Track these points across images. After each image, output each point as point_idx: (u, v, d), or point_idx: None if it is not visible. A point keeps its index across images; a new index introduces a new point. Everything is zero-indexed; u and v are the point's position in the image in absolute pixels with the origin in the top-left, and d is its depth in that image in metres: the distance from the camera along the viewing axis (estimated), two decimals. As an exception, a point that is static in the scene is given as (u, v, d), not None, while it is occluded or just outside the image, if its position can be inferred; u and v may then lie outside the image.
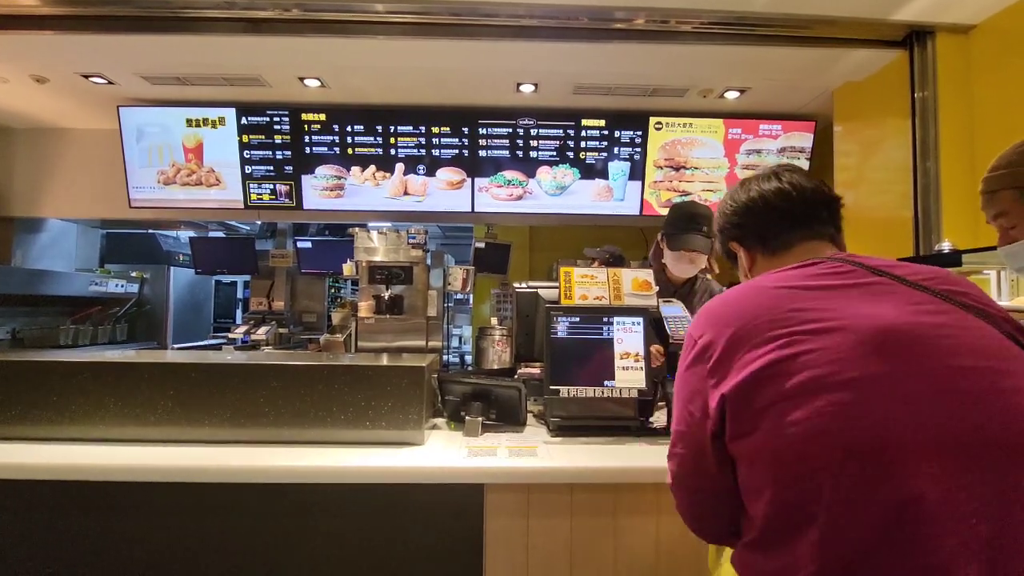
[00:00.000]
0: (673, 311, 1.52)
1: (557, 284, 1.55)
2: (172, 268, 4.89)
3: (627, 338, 1.43)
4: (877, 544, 0.61)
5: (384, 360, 1.49)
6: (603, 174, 3.64)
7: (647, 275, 1.55)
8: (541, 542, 1.21)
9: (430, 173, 3.62)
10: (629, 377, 1.40)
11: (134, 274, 4.78)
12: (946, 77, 2.50)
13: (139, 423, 1.33)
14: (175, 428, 1.33)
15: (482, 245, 4.02)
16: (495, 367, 3.60)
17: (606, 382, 1.40)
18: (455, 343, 5.43)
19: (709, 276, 2.09)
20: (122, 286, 4.63)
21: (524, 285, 1.60)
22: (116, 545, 1.20)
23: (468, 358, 4.91)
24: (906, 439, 0.63)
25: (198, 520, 1.21)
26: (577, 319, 1.44)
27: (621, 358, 1.41)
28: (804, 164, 3.63)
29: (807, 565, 0.64)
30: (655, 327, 1.50)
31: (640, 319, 1.45)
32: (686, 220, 1.88)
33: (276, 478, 1.19)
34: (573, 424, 1.44)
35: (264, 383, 1.34)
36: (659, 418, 1.56)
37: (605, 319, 1.45)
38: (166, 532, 1.21)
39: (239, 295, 6.03)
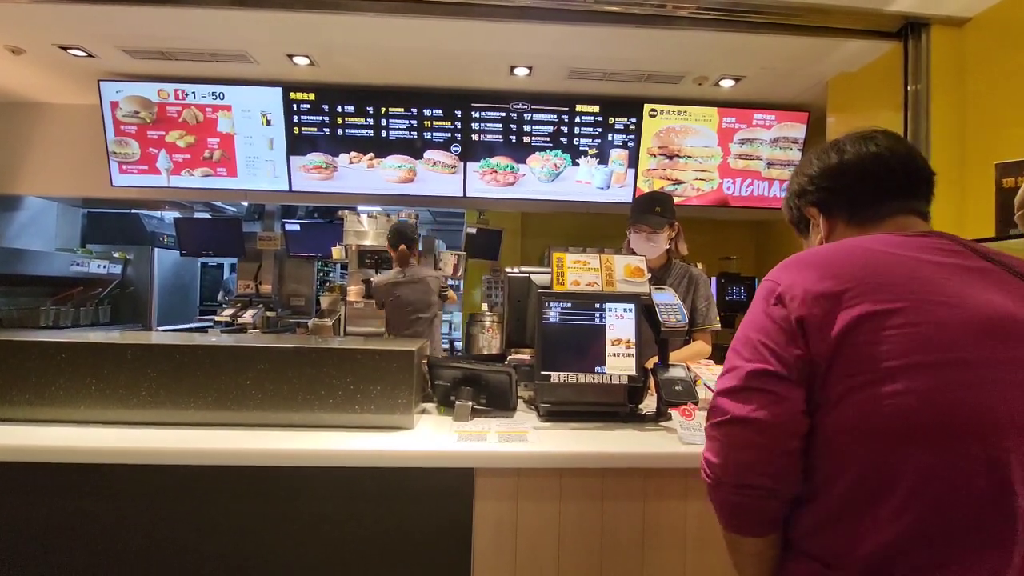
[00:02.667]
0: (665, 298, 1.51)
1: (549, 270, 1.54)
2: (156, 249, 4.79)
3: (619, 324, 1.43)
4: (961, 515, 0.65)
5: (373, 344, 1.47)
6: (596, 161, 3.62)
7: (639, 261, 1.55)
8: (530, 525, 1.22)
9: (421, 156, 3.57)
10: (620, 363, 1.40)
11: (117, 255, 4.68)
12: (939, 70, 2.50)
13: (122, 405, 1.30)
14: (159, 410, 1.31)
15: (473, 231, 3.99)
16: (485, 353, 3.61)
17: (597, 368, 1.39)
18: (445, 329, 5.42)
19: (688, 264, 2.11)
20: (104, 267, 4.53)
21: (516, 270, 1.59)
22: (98, 529, 1.18)
23: (458, 344, 4.91)
24: (1005, 421, 0.65)
25: (182, 503, 1.20)
26: (569, 305, 1.44)
27: (612, 344, 1.41)
28: (796, 155, 3.64)
29: (885, 531, 0.67)
30: (647, 314, 1.50)
31: (632, 305, 1.45)
32: (644, 202, 2.08)
33: (262, 461, 1.18)
34: (563, 410, 1.44)
35: (251, 365, 1.32)
36: (648, 404, 1.56)
37: (597, 305, 1.44)
38: (149, 515, 1.19)
39: (225, 277, 5.94)
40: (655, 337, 1.51)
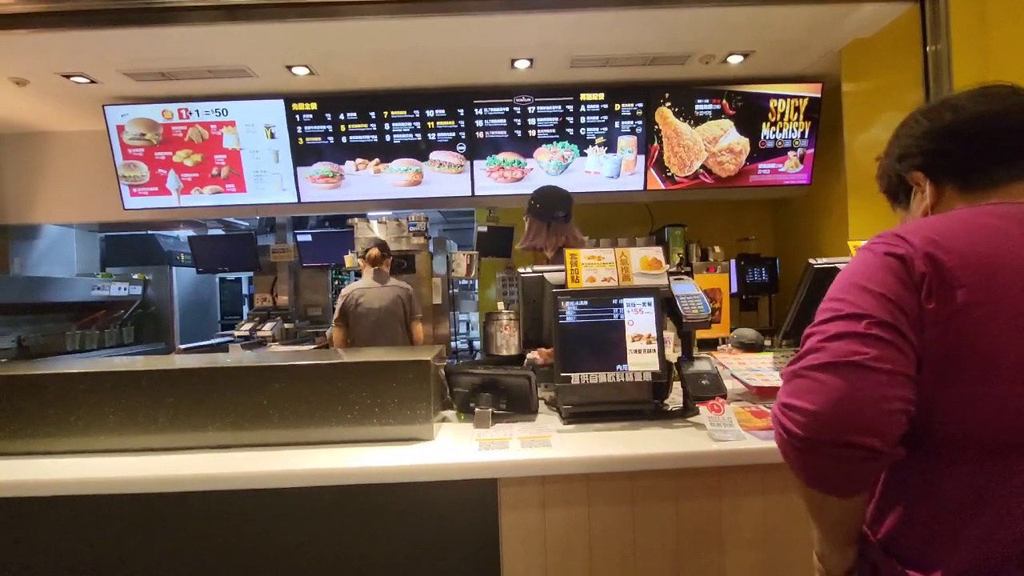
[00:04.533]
0: (685, 289, 1.45)
1: (563, 267, 1.49)
2: (174, 268, 4.86)
3: (638, 320, 1.38)
4: None
5: (388, 355, 1.44)
6: (604, 150, 3.55)
7: (656, 253, 1.49)
8: (559, 534, 1.18)
9: (427, 158, 3.53)
10: (642, 360, 1.35)
11: (136, 276, 4.75)
12: (960, 29, 2.37)
13: (141, 432, 1.29)
14: (178, 435, 1.29)
15: (484, 229, 3.95)
16: (503, 352, 3.57)
17: (619, 366, 1.35)
18: (463, 329, 5.40)
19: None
20: (125, 289, 4.61)
21: (529, 270, 1.54)
22: (121, 559, 1.18)
23: (476, 343, 4.89)
24: None
25: (204, 529, 1.18)
26: (585, 303, 1.39)
27: (633, 340, 1.36)
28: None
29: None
30: (667, 307, 1.44)
31: (651, 299, 1.39)
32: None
33: (278, 483, 1.16)
34: (586, 411, 1.40)
35: (266, 385, 1.30)
36: (674, 399, 1.51)
37: (615, 301, 1.39)
38: (173, 543, 1.18)
39: (244, 291, 6.00)
40: (677, 330, 1.46)
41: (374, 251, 3.24)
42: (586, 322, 1.38)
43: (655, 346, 1.36)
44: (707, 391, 1.32)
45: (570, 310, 1.38)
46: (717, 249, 3.79)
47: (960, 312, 0.65)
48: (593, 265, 1.47)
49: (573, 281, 1.44)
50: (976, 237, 0.68)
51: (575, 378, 1.34)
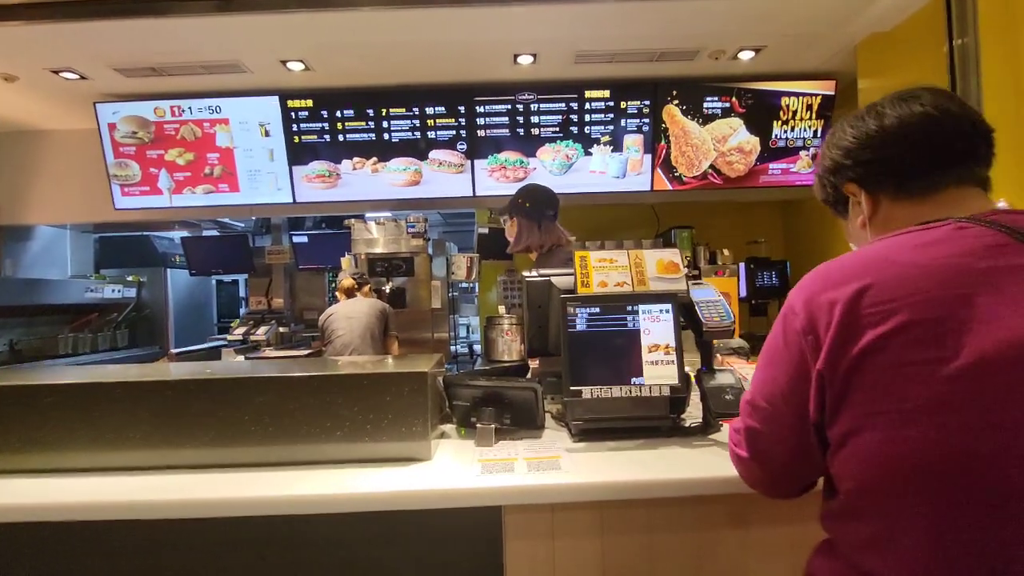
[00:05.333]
0: (705, 294, 1.34)
1: (571, 271, 1.38)
2: (169, 270, 4.76)
3: (655, 328, 1.26)
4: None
5: (382, 366, 1.33)
6: (609, 148, 3.44)
7: (672, 255, 1.38)
8: (569, 567, 1.06)
9: (426, 157, 3.42)
10: (660, 372, 1.23)
11: (130, 278, 4.65)
12: (988, 21, 2.26)
13: (112, 449, 1.18)
14: (153, 453, 1.18)
15: (485, 231, 3.84)
16: (505, 358, 3.45)
17: (634, 379, 1.23)
18: (463, 333, 5.28)
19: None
20: (119, 291, 4.50)
21: (535, 273, 1.43)
22: (90, 590, 1.06)
23: (477, 347, 4.77)
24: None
25: (178, 558, 1.07)
26: (597, 309, 1.27)
27: (650, 351, 1.25)
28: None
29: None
30: (685, 313, 1.33)
31: (669, 305, 1.28)
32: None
33: (262, 510, 1.04)
34: (597, 427, 1.28)
35: (248, 399, 1.18)
36: (691, 414, 1.39)
37: (629, 307, 1.27)
38: (143, 574, 1.07)
39: (241, 294, 5.89)
40: (696, 339, 1.34)
41: (347, 281, 3.23)
42: (598, 331, 1.26)
43: (674, 357, 1.25)
44: (731, 407, 1.21)
45: (580, 317, 1.27)
46: (726, 252, 3.66)
47: (863, 352, 0.67)
48: (604, 268, 1.36)
49: (583, 286, 1.33)
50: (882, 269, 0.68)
51: (586, 392, 1.22)
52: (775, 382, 0.73)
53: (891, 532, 0.63)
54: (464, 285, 4.49)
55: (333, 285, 4.55)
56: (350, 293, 3.23)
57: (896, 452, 0.61)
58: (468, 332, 5.33)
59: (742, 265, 3.75)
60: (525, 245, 2.10)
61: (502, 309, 3.83)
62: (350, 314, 3.06)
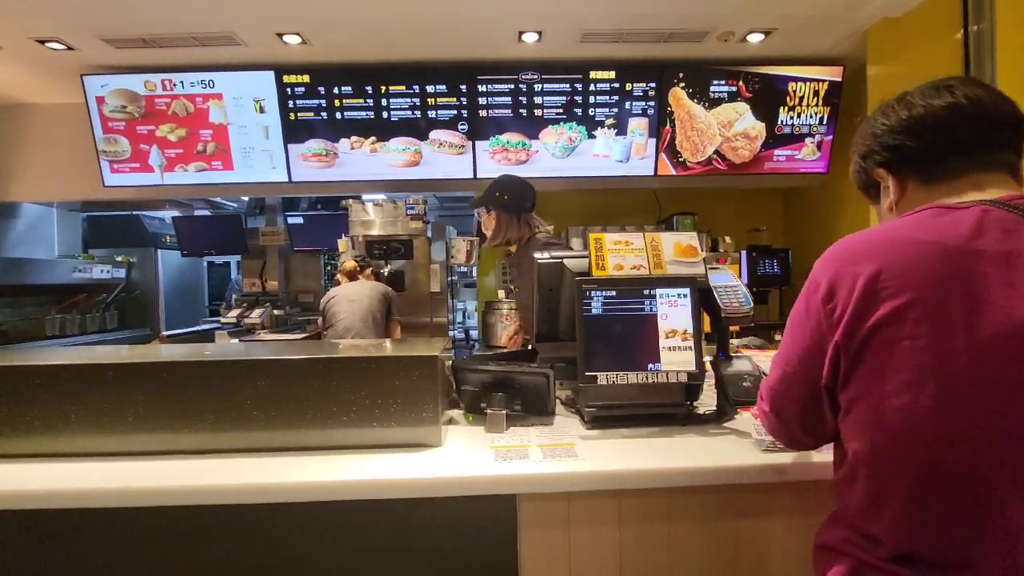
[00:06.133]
0: (723, 279, 1.30)
1: (585, 253, 1.33)
2: (159, 251, 4.65)
3: (672, 313, 1.22)
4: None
5: (390, 349, 1.28)
6: (614, 132, 3.37)
7: (690, 239, 1.33)
8: (585, 556, 1.03)
9: (426, 137, 3.34)
10: (677, 358, 1.20)
11: (120, 258, 4.54)
12: (1005, 6, 2.21)
13: (106, 433, 1.13)
14: (149, 437, 1.13)
15: (485, 214, 3.76)
16: (503, 343, 3.42)
17: (651, 365, 1.19)
18: (459, 317, 5.23)
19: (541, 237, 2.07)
20: (108, 271, 4.40)
21: (547, 255, 1.39)
22: (86, 578, 1.02)
23: (473, 333, 4.73)
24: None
25: (177, 546, 1.03)
26: (613, 293, 1.23)
27: (667, 336, 1.21)
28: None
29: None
30: (702, 298, 1.29)
31: (687, 290, 1.24)
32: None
33: (266, 498, 1.00)
34: (611, 414, 1.25)
35: (250, 382, 1.13)
36: (704, 401, 1.36)
37: (646, 291, 1.23)
38: (139, 564, 1.02)
39: (233, 276, 5.79)
40: (714, 325, 1.31)
41: (350, 263, 3.15)
42: (614, 315, 1.22)
43: (691, 343, 1.21)
44: (749, 395, 1.17)
45: (596, 301, 1.22)
46: (727, 239, 3.63)
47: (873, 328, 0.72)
48: (620, 251, 1.31)
49: (598, 269, 1.29)
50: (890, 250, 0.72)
51: (602, 378, 1.18)
52: (795, 346, 0.80)
53: (882, 495, 0.69)
54: (462, 270, 4.44)
55: (329, 268, 4.48)
56: (352, 276, 3.15)
57: (893, 421, 0.66)
58: (464, 317, 5.29)
59: (743, 253, 3.73)
60: (505, 239, 2.07)
61: (501, 294, 3.79)
62: (352, 297, 3.00)
